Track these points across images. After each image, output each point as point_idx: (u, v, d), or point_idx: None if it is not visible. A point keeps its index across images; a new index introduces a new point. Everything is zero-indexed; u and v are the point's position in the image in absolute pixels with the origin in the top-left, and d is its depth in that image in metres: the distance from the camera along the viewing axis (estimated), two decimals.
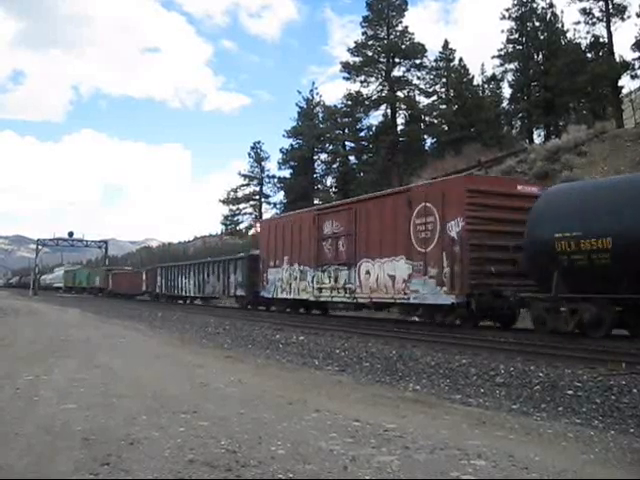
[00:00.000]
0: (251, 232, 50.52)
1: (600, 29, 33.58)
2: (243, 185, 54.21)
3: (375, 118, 46.89)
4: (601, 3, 32.78)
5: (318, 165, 49.60)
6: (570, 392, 6.43)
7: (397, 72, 44.59)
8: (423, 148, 45.79)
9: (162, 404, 5.55)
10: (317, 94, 50.54)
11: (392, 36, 44.21)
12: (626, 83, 33.76)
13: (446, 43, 45.86)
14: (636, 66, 31.59)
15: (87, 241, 66.55)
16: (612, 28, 32.72)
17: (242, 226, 55.13)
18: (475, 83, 45.68)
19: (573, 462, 3.93)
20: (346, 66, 45.05)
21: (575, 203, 10.83)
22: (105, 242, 69.26)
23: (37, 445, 4.17)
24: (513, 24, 39.23)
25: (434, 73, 45.06)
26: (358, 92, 44.79)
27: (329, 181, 50.46)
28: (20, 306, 29.39)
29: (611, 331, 10.37)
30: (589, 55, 35.42)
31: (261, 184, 53.90)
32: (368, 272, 15.71)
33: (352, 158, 47.98)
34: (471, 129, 41.40)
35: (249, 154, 54.63)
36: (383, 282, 15.06)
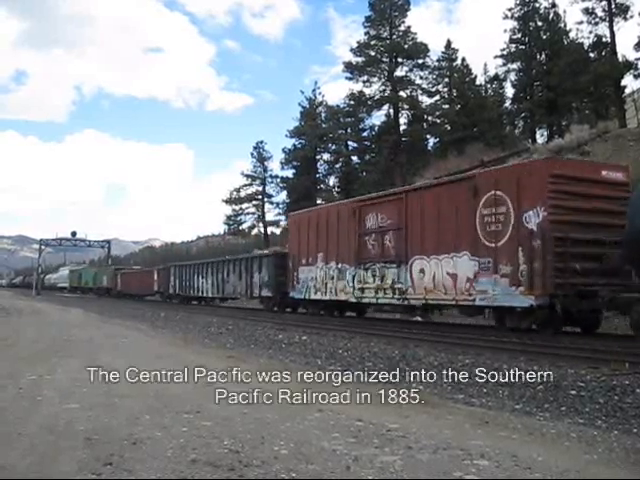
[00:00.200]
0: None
1: (603, 29, 33.49)
2: (246, 185, 54.13)
3: (378, 118, 46.85)
4: (604, 3, 32.66)
5: (321, 165, 49.60)
6: (573, 392, 6.41)
7: (400, 72, 44.63)
8: (426, 148, 45.74)
9: (165, 404, 5.55)
10: (320, 94, 50.51)
11: (395, 36, 44.20)
12: (629, 83, 33.61)
13: (449, 43, 45.98)
14: (639, 66, 31.54)
15: (90, 241, 66.69)
16: (615, 28, 32.61)
17: (245, 226, 55.18)
18: (478, 83, 45.71)
19: (576, 462, 3.92)
20: (349, 66, 45.08)
21: None
22: (108, 242, 69.50)
23: (40, 445, 4.17)
24: (516, 24, 39.25)
25: (437, 73, 45.08)
26: (361, 92, 44.84)
27: (332, 181, 50.54)
28: (23, 306, 29.40)
29: None
30: (592, 55, 35.34)
31: (264, 184, 53.83)
32: (422, 270, 14.14)
33: (355, 158, 47.99)
34: (474, 129, 41.38)
35: (252, 154, 54.57)
36: (441, 281, 13.54)
